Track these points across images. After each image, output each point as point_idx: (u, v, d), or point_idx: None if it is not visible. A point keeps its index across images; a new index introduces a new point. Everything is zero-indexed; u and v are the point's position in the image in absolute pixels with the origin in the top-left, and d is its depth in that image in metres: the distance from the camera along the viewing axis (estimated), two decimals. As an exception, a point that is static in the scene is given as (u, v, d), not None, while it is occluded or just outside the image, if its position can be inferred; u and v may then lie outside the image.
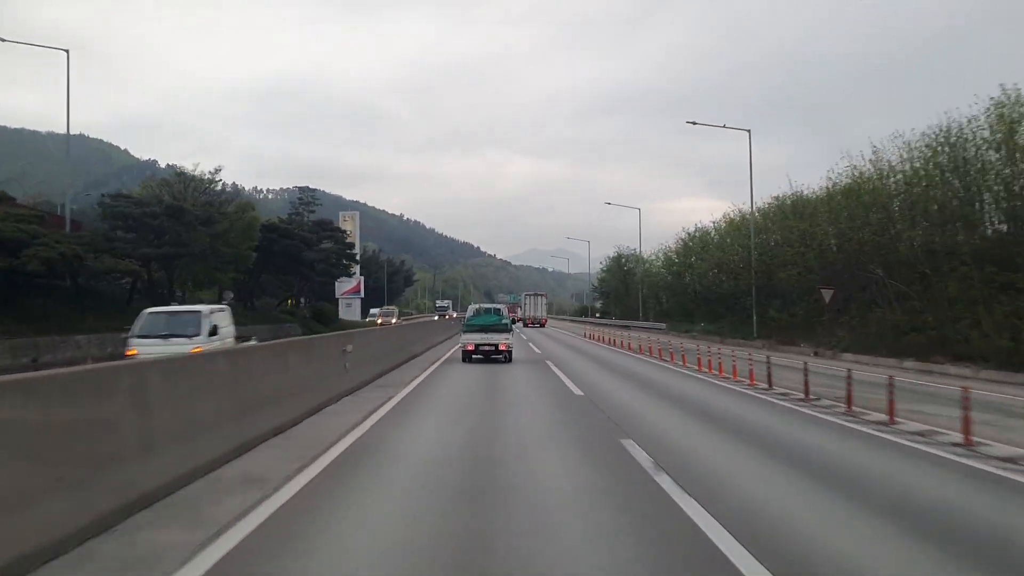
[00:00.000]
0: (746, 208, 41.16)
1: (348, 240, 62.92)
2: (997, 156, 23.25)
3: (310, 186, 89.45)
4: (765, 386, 14.85)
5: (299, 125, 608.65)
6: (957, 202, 24.37)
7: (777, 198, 41.05)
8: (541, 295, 69.44)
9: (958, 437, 8.89)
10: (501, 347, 20.66)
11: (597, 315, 79.14)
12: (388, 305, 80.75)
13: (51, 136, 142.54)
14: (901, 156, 27.42)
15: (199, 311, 16.76)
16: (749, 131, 37.56)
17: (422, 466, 7.24)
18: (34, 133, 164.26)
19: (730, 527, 5.10)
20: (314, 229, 58.52)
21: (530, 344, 31.85)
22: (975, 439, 8.73)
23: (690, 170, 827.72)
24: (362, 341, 15.90)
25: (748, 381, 15.76)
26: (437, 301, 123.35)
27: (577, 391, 14.03)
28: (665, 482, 6.51)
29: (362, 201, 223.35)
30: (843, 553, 4.72)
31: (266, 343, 9.40)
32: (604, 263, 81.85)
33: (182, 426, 6.29)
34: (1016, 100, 22.38)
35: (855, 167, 30.61)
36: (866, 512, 5.78)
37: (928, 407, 12.14)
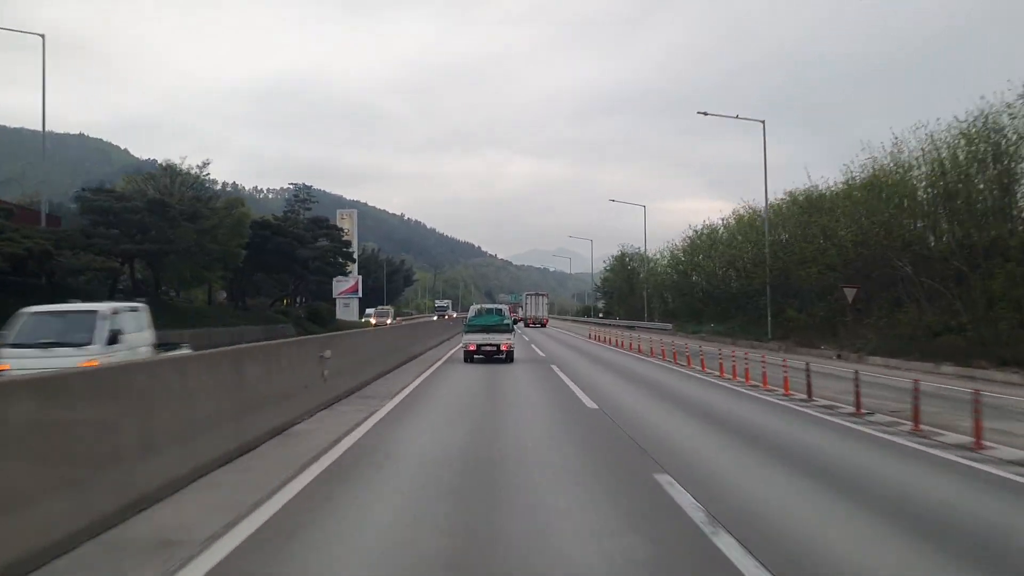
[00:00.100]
0: (756, 204, 39.43)
1: (345, 238, 61.22)
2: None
3: (311, 186, 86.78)
4: (804, 397, 13.02)
5: (299, 125, 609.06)
6: (998, 192, 22.53)
7: (791, 193, 39.42)
8: (542, 295, 68.35)
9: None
10: (503, 347, 20.64)
11: (600, 315, 77.39)
12: (385, 305, 78.95)
13: (51, 135, 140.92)
14: (923, 148, 25.65)
15: (95, 311, 12.54)
16: (763, 121, 35.65)
17: (401, 530, 5.42)
18: (34, 133, 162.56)
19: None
20: (309, 227, 56.70)
21: (532, 346, 30.07)
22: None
23: (690, 170, 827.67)
24: (348, 345, 14.18)
25: (782, 391, 13.91)
26: (436, 301, 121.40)
27: (590, 403, 12.19)
28: (732, 550, 4.68)
29: (362, 201, 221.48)
30: None
31: (205, 352, 7.40)
32: (607, 263, 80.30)
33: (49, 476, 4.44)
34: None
35: (875, 159, 28.88)
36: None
37: (1011, 424, 10.23)
